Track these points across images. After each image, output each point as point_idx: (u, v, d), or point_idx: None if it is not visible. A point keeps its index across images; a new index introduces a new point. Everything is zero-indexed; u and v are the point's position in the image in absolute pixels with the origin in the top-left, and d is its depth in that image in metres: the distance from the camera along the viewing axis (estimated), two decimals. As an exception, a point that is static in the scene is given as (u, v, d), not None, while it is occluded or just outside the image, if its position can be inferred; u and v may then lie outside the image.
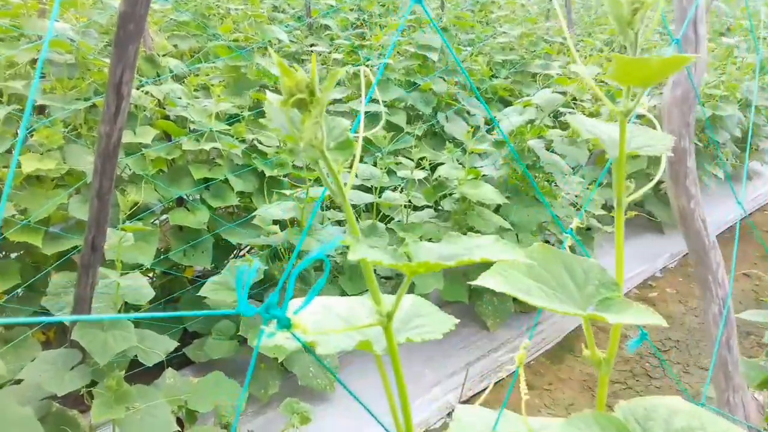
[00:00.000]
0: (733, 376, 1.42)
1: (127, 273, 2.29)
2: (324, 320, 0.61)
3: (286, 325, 0.53)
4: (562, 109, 3.88)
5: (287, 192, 2.88)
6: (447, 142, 3.91)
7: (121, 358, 2.19)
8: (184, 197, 2.87)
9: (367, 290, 2.39)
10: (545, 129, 3.62)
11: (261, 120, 3.18)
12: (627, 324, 0.64)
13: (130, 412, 2.07)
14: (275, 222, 2.87)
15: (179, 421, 2.33)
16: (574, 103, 3.98)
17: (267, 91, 0.54)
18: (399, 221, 3.29)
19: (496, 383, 3.23)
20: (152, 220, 2.92)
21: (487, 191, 3.18)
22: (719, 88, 5.03)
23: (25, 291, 2.51)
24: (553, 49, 5.52)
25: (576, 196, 3.72)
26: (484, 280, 0.63)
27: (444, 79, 4.40)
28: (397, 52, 4.68)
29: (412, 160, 3.26)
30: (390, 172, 3.41)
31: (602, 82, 4.53)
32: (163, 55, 3.12)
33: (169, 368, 2.43)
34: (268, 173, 3.02)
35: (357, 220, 3.09)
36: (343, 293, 3.01)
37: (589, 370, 3.38)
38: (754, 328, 3.78)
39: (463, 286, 3.41)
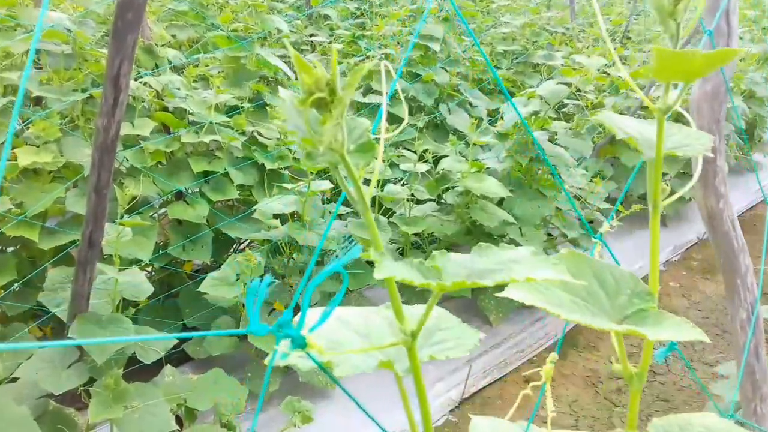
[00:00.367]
0: (761, 385, 1.36)
1: (126, 269, 2.24)
2: (340, 336, 0.57)
3: (301, 345, 0.48)
4: (565, 101, 3.83)
5: (288, 186, 2.83)
6: (449, 133, 3.86)
7: (119, 355, 2.15)
8: (183, 191, 2.83)
9: (368, 285, 2.33)
10: (549, 121, 3.57)
11: (262, 111, 3.13)
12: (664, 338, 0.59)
13: (129, 410, 2.03)
14: (276, 216, 2.83)
15: (178, 419, 2.29)
16: (578, 95, 3.92)
17: (279, 88, 0.49)
18: (401, 215, 3.24)
19: (498, 379, 3.20)
20: (151, 214, 2.87)
21: (491, 185, 3.13)
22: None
23: (22, 286, 2.46)
24: (556, 39, 5.47)
25: (579, 189, 3.67)
26: (511, 293, 0.58)
27: (446, 70, 4.34)
28: (398, 43, 4.62)
29: (415, 152, 3.21)
30: (392, 165, 3.36)
31: (604, 72, 4.48)
32: (162, 46, 3.06)
33: (168, 365, 2.39)
34: (268, 166, 2.97)
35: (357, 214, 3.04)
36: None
37: (593, 366, 3.35)
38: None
39: (466, 280, 3.36)
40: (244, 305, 2.59)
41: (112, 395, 2.01)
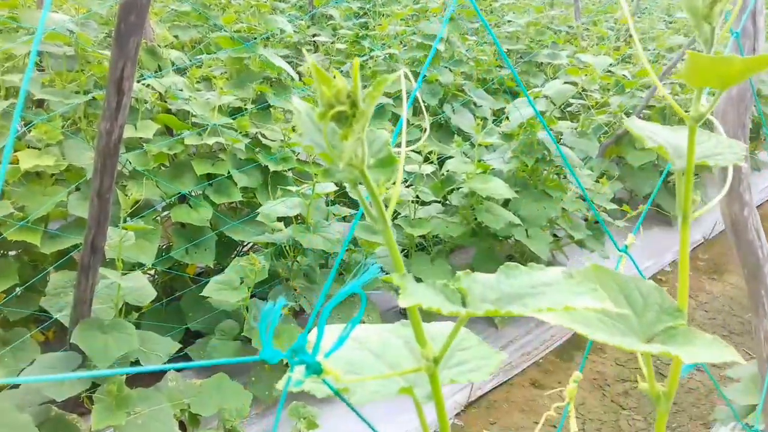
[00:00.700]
0: (783, 395, 1.33)
1: (128, 273, 2.22)
2: (355, 357, 0.54)
3: (317, 371, 0.46)
4: (570, 100, 3.80)
5: (292, 188, 2.80)
6: (453, 134, 3.83)
7: (121, 360, 2.13)
8: (187, 194, 2.80)
9: (375, 289, 2.29)
10: (555, 121, 3.54)
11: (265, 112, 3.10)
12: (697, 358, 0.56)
13: (132, 417, 2.00)
14: (280, 219, 2.80)
15: (182, 425, 2.26)
16: (584, 95, 3.90)
17: (293, 98, 0.46)
18: (406, 216, 3.21)
19: (504, 382, 3.17)
20: (154, 217, 2.85)
21: (498, 186, 3.10)
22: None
23: (24, 291, 2.43)
24: (560, 38, 5.43)
25: (585, 189, 3.64)
26: (541, 315, 0.55)
27: (450, 70, 4.31)
28: (402, 42, 4.59)
29: (420, 153, 3.18)
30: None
31: (609, 71, 4.44)
32: (164, 47, 3.03)
33: (171, 370, 2.36)
34: (272, 168, 2.94)
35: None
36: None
37: (600, 369, 3.32)
38: None
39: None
40: (248, 308, 2.56)
41: (115, 401, 1.99)
